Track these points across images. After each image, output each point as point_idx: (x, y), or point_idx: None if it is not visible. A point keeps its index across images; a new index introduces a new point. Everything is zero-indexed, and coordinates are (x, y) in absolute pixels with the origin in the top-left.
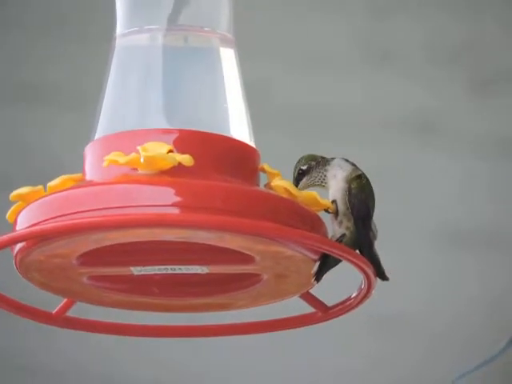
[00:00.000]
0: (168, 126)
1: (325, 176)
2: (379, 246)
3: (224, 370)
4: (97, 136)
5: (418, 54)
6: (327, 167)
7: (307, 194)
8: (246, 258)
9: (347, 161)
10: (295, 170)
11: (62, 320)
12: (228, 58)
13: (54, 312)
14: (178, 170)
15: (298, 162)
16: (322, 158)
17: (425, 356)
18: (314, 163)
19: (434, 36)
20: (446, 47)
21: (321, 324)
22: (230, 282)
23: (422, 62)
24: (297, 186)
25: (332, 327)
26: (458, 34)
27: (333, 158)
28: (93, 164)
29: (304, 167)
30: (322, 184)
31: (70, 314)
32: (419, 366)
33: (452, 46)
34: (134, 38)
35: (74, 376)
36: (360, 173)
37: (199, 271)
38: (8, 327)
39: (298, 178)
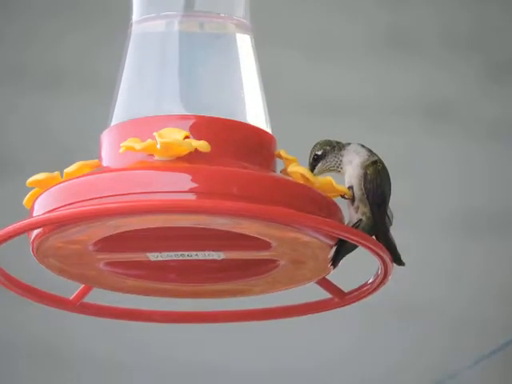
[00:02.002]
0: (184, 112)
1: (340, 161)
2: (394, 232)
3: (227, 353)
4: (113, 122)
5: (432, 39)
6: (343, 152)
7: (323, 180)
8: (262, 244)
9: (363, 146)
10: (310, 155)
11: (79, 306)
12: (244, 44)
13: (71, 298)
14: (194, 156)
15: (313, 148)
16: (338, 143)
17: (438, 343)
18: (329, 148)
19: (447, 21)
20: (459, 33)
21: (336, 310)
22: (247, 268)
23: (436, 47)
24: (312, 171)
25: (344, 313)
26: (471, 19)
27: (349, 144)
28: (109, 150)
29: (319, 152)
30: (338, 169)
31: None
32: (431, 352)
33: (465, 32)
34: (150, 24)
35: (82, 362)
36: (376, 158)
37: (215, 257)
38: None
39: (313, 163)
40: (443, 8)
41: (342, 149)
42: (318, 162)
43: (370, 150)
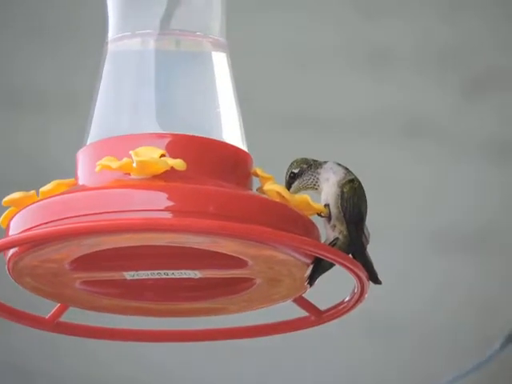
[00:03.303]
0: (160, 131)
1: (317, 179)
2: (372, 250)
3: (215, 374)
4: (89, 141)
5: (407, 55)
6: (319, 170)
7: (300, 198)
8: (238, 263)
9: (339, 165)
10: (287, 173)
11: (55, 325)
12: (220, 62)
13: (47, 317)
14: (170, 174)
15: (290, 166)
16: (314, 161)
17: (419, 359)
18: (305, 166)
19: (426, 36)
20: (434, 49)
21: (312, 328)
22: (223, 287)
23: (414, 62)
24: (288, 189)
25: (326, 330)
26: (450, 33)
27: (325, 162)
28: (85, 169)
29: (296, 170)
30: (315, 187)
31: (63, 319)
32: (414, 368)
33: (440, 48)
34: (125, 42)
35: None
36: (352, 177)
37: (192, 276)
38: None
39: (290, 181)
40: (423, 22)
41: (319, 167)
42: (295, 180)
43: (346, 169)
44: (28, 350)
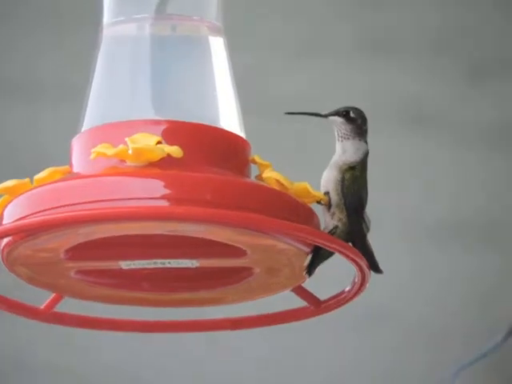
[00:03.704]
0: (157, 117)
1: (347, 138)
2: (372, 239)
3: (214, 365)
4: (84, 128)
5: (407, 43)
6: (356, 140)
7: (299, 186)
8: (236, 252)
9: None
10: (343, 109)
11: (50, 315)
12: (217, 47)
13: (41, 307)
14: (167, 161)
15: (352, 107)
16: (365, 130)
17: (420, 353)
18: (359, 123)
19: (422, 25)
20: (434, 36)
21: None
22: (221, 276)
23: (411, 50)
24: (328, 115)
25: (323, 321)
26: (446, 22)
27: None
28: (80, 156)
29: (354, 116)
30: (340, 139)
31: (58, 309)
32: (415, 363)
33: (441, 35)
34: (121, 27)
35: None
36: (355, 164)
37: (189, 265)
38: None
39: (338, 113)
40: (422, 10)
41: (361, 138)
42: (343, 119)
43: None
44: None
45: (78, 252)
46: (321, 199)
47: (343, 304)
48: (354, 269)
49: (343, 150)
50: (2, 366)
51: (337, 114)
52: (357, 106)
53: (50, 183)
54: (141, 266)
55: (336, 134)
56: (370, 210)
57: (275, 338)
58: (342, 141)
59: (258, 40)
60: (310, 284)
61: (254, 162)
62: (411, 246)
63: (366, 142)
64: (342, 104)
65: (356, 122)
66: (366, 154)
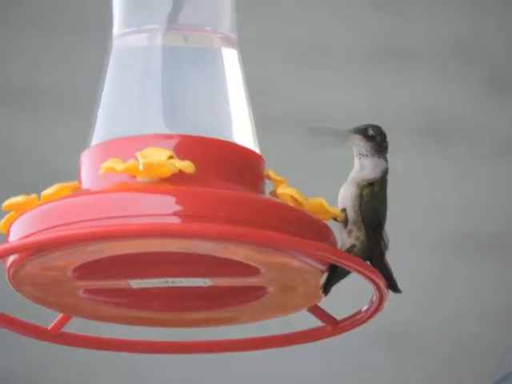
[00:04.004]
0: (168, 131)
1: (365, 156)
2: (391, 256)
3: (224, 380)
4: (93, 142)
5: (428, 51)
6: (375, 158)
7: (315, 202)
8: (250, 270)
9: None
10: (364, 126)
11: (57, 336)
12: (230, 59)
13: (49, 328)
14: (178, 177)
15: (378, 127)
16: (386, 147)
17: (444, 370)
18: (379, 141)
19: (446, 32)
20: (453, 46)
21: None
22: (234, 295)
23: (432, 59)
24: (353, 132)
25: (342, 343)
26: (466, 31)
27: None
28: (89, 172)
29: (373, 134)
30: (358, 156)
31: (66, 329)
32: (433, 379)
33: (460, 44)
34: (131, 38)
35: None
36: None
37: (201, 284)
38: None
39: (359, 130)
40: (442, 18)
41: (381, 155)
42: (361, 135)
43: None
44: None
45: (86, 270)
46: (337, 216)
47: (360, 324)
48: (371, 287)
49: (361, 167)
50: None
51: (356, 131)
52: (370, 115)
53: (58, 199)
54: (151, 285)
55: (354, 151)
56: (388, 227)
57: (286, 355)
58: (360, 158)
59: (268, 50)
60: (325, 303)
61: (269, 178)
62: (431, 263)
63: (385, 159)
64: (356, 116)
65: (375, 139)
66: (386, 172)
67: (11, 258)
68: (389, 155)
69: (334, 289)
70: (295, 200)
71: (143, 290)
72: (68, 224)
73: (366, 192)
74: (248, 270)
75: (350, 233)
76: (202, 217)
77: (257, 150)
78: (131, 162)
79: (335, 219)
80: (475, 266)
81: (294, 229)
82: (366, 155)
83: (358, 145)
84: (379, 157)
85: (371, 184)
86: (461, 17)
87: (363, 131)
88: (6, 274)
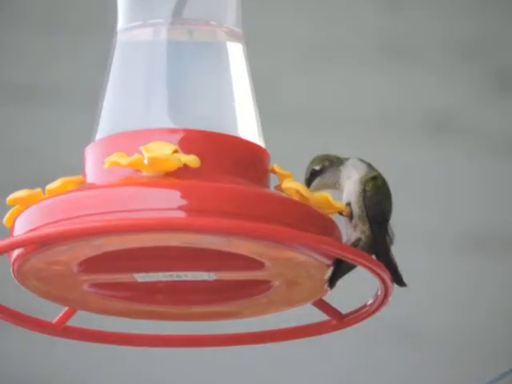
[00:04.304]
0: (173, 126)
1: (338, 177)
2: (395, 251)
3: (232, 380)
4: (98, 136)
5: (432, 47)
6: (341, 168)
7: (320, 196)
8: (255, 264)
9: (362, 161)
10: (308, 170)
11: (62, 330)
12: (236, 53)
13: (54, 321)
14: (183, 171)
15: (311, 163)
16: (337, 157)
17: (441, 366)
18: (327, 163)
19: (447, 29)
20: (460, 41)
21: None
22: (239, 289)
23: (438, 57)
24: (308, 186)
25: (344, 334)
26: (472, 26)
27: (347, 158)
28: (94, 166)
29: (317, 167)
30: (336, 186)
31: (71, 323)
32: (435, 376)
33: (466, 40)
34: (136, 32)
35: None
36: (376, 174)
37: (206, 278)
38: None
39: (311, 178)
40: (448, 14)
41: (341, 164)
42: (316, 177)
43: (369, 165)
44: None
45: (91, 264)
46: (342, 210)
47: (366, 318)
48: (376, 282)
49: (349, 183)
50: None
51: (309, 180)
52: (380, 113)
53: (62, 194)
54: (156, 279)
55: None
56: (394, 222)
57: (289, 351)
58: (338, 186)
59: (275, 45)
60: (330, 297)
61: (274, 172)
62: (436, 259)
63: (346, 159)
64: (359, 112)
65: (325, 167)
66: (366, 163)
67: (16, 252)
68: (397, 151)
69: (340, 283)
70: (300, 194)
71: (148, 284)
72: (72, 218)
73: (369, 187)
74: (253, 264)
75: (355, 227)
76: (207, 211)
77: (262, 144)
78: (136, 156)
79: (340, 213)
80: (482, 262)
81: (299, 223)
82: (338, 178)
83: (327, 183)
84: (340, 166)
85: (374, 178)
86: (463, 14)
87: (310, 176)
88: (11, 268)
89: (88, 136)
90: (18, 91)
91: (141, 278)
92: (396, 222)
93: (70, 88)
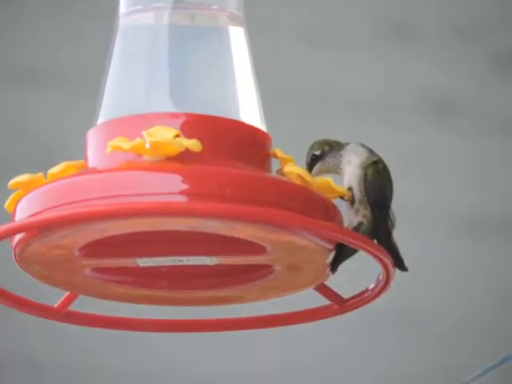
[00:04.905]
0: (175, 110)
1: (340, 162)
2: (396, 236)
3: (233, 365)
4: (100, 121)
5: (432, 31)
6: (342, 152)
7: (321, 181)
8: (257, 249)
9: (363, 145)
10: (308, 155)
11: (64, 314)
12: (237, 37)
13: (55, 306)
14: (185, 156)
15: (311, 147)
16: (337, 142)
17: (443, 350)
18: (327, 148)
19: (456, 12)
20: (460, 24)
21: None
22: (241, 274)
23: (436, 39)
24: (310, 172)
25: (345, 319)
26: (473, 9)
27: (348, 143)
28: (95, 150)
29: (317, 152)
30: (337, 170)
31: (73, 308)
32: (437, 360)
33: (467, 23)
34: (138, 16)
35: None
36: (376, 158)
37: (208, 262)
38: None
39: (311, 163)
40: None
41: (341, 149)
42: (316, 162)
43: (370, 150)
44: (35, 340)
45: (93, 249)
46: (344, 195)
47: (367, 302)
48: (378, 266)
49: (350, 168)
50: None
51: (310, 165)
52: (377, 94)
53: (64, 178)
54: (158, 264)
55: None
56: (395, 205)
57: (296, 337)
58: (339, 171)
59: (279, 30)
60: (331, 282)
61: (275, 156)
62: (432, 241)
63: (346, 144)
64: (364, 94)
65: (325, 152)
66: (367, 148)
67: (17, 237)
68: (394, 133)
69: (341, 267)
70: (302, 179)
71: (150, 269)
72: (74, 203)
73: (370, 171)
74: (254, 248)
75: (357, 211)
76: (209, 195)
77: (264, 128)
78: (138, 140)
79: (342, 198)
80: (488, 247)
81: (300, 207)
82: (339, 163)
83: (327, 168)
84: (340, 150)
85: (375, 163)
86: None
87: (311, 161)
88: (12, 253)
89: (91, 120)
90: (23, 75)
91: (143, 262)
92: (397, 207)
93: (75, 72)
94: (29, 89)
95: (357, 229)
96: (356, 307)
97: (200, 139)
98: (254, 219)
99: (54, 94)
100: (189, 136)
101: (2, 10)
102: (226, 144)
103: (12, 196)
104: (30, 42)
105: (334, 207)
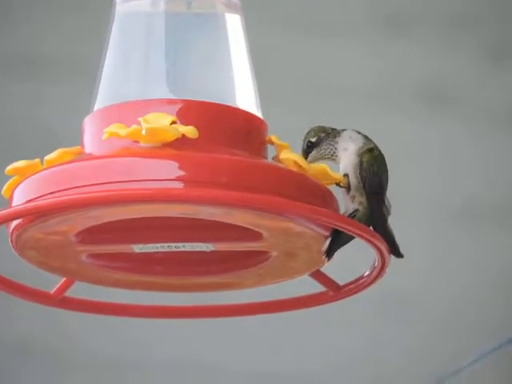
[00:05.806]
0: (171, 96)
1: (335, 149)
2: (393, 223)
3: (229, 352)
4: (96, 107)
5: (429, 19)
6: (337, 139)
7: (318, 168)
8: (253, 235)
9: (359, 132)
10: (304, 142)
11: (60, 300)
12: (234, 25)
13: (52, 292)
14: (181, 142)
15: (307, 134)
16: (332, 129)
17: (439, 338)
18: (323, 135)
19: (445, 0)
20: (455, 12)
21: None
22: (237, 260)
23: (433, 28)
24: (306, 158)
25: (339, 305)
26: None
27: (343, 130)
28: (92, 137)
29: (313, 139)
30: (333, 157)
31: (69, 294)
32: (434, 348)
33: (462, 11)
34: (135, 3)
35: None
36: (372, 145)
37: (204, 249)
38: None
39: (307, 150)
40: None
41: (337, 135)
42: (312, 149)
43: (365, 137)
44: (30, 326)
45: (89, 235)
46: (340, 181)
47: (363, 289)
48: (373, 253)
49: (346, 155)
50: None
51: (306, 152)
52: (373, 84)
53: (61, 164)
54: (154, 250)
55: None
56: (391, 193)
57: (293, 322)
58: (335, 158)
59: (275, 17)
60: (327, 269)
61: (271, 143)
62: (434, 230)
63: (342, 131)
64: (359, 83)
65: (321, 139)
66: (363, 135)
67: (14, 223)
68: (391, 122)
69: (337, 254)
70: (298, 165)
71: (146, 255)
72: (71, 189)
73: (366, 158)
74: (250, 234)
75: (352, 198)
76: (205, 182)
77: (260, 114)
78: (134, 127)
79: (338, 184)
80: (484, 233)
81: (296, 194)
82: (334, 150)
83: (323, 155)
84: (336, 137)
85: (370, 150)
86: None
87: (307, 148)
88: (9, 239)
89: (77, 104)
90: (17, 62)
91: (139, 249)
92: (393, 194)
93: (70, 59)
94: (21, 76)
95: (353, 215)
96: (352, 294)
97: (196, 126)
98: (250, 205)
99: (69, 83)
100: (185, 122)
101: (16, 1)
102: (222, 130)
103: (9, 182)
104: (44, 33)
105: (330, 194)
